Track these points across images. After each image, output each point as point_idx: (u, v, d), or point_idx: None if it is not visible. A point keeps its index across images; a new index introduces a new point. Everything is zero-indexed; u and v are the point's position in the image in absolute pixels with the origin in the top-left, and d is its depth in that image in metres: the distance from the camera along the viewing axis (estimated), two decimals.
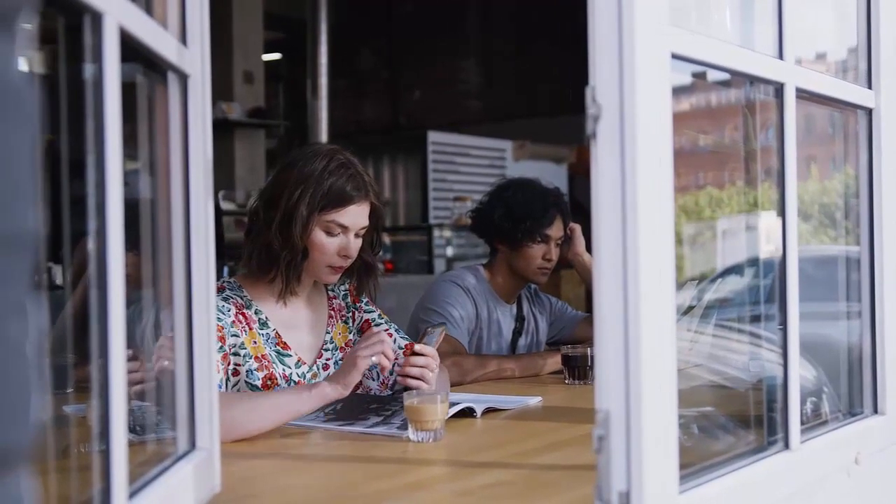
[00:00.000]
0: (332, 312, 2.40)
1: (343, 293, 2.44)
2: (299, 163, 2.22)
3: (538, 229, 3.01)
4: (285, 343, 2.26)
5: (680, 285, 1.29)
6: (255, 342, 2.20)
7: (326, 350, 2.35)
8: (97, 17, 0.99)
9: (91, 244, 1.01)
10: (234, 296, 2.22)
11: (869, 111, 1.83)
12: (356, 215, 2.23)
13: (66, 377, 1.36)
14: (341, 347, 2.37)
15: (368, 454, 1.81)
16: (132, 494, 1.10)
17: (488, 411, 2.20)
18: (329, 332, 2.37)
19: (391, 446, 1.86)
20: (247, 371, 2.17)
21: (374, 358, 2.01)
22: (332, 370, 2.31)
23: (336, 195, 2.19)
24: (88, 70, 1.02)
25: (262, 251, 2.22)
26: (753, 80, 1.57)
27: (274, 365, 2.21)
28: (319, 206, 2.19)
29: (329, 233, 2.21)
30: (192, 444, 1.37)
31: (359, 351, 2.02)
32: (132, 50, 1.12)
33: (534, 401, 2.38)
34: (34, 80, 0.60)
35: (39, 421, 0.59)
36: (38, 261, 0.61)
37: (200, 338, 1.38)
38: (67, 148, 1.04)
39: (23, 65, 0.59)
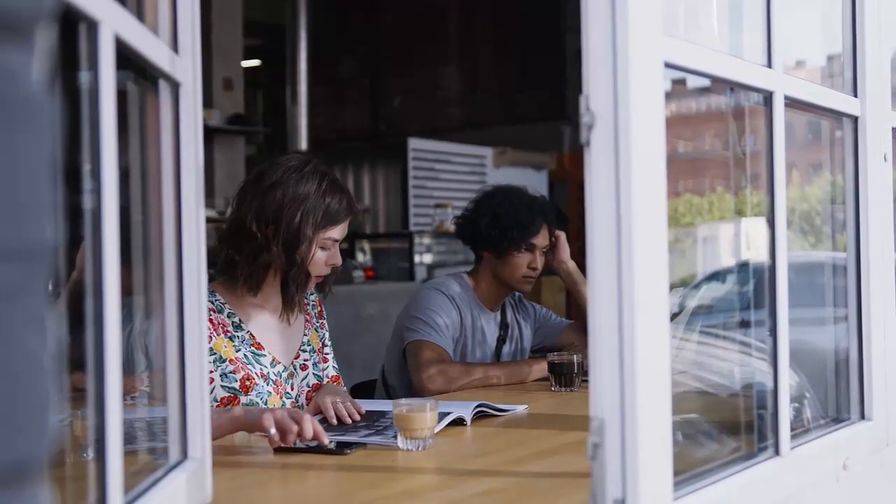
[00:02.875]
0: (308, 317, 2.49)
1: (312, 303, 2.53)
2: (291, 182, 2.27)
3: (524, 238, 3.01)
4: (259, 343, 2.32)
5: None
6: (225, 346, 2.25)
7: (304, 351, 2.43)
8: (93, 26, 0.99)
9: (86, 252, 1.01)
10: None
11: (854, 119, 1.84)
12: (345, 228, 2.36)
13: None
14: (317, 350, 2.47)
15: (358, 463, 1.81)
16: None
17: (479, 416, 2.20)
18: (306, 335, 2.45)
19: (381, 455, 1.86)
20: (222, 375, 2.22)
21: (272, 431, 1.83)
22: (310, 370, 2.41)
23: (334, 214, 2.30)
24: (83, 77, 1.01)
25: (262, 270, 2.28)
26: (743, 88, 1.58)
27: (249, 365, 2.27)
28: (321, 226, 2.28)
29: (323, 248, 2.31)
30: (184, 454, 1.36)
31: (270, 418, 1.87)
32: (124, 57, 1.12)
33: (521, 409, 2.38)
34: (52, 91, 0.59)
35: (56, 432, 0.59)
36: (52, 272, 0.60)
37: (192, 348, 1.37)
38: (61, 156, 1.04)
39: (40, 75, 0.58)
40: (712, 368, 2.02)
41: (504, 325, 3.18)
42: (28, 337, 0.56)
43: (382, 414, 2.20)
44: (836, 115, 1.86)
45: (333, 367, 2.54)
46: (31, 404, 0.56)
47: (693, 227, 2.02)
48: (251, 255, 2.26)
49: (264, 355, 2.31)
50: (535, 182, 7.76)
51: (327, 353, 2.54)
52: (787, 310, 1.54)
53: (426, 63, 10.09)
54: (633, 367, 1.16)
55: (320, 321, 2.54)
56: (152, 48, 1.22)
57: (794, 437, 1.58)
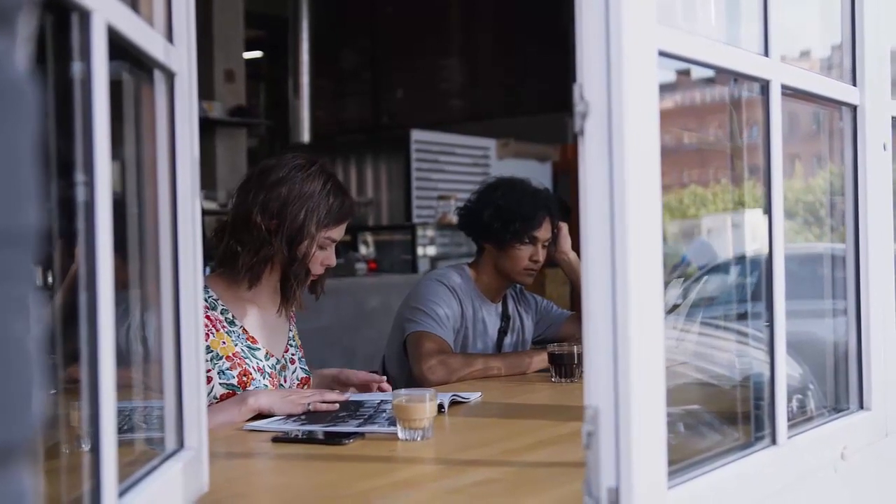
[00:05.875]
0: (292, 314, 2.53)
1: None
2: (297, 180, 2.31)
3: (527, 231, 3.01)
4: (253, 337, 2.35)
5: (665, 283, 1.29)
6: (223, 342, 2.28)
7: (291, 345, 2.48)
8: (85, 15, 0.99)
9: (79, 245, 1.01)
10: None
11: (853, 108, 1.84)
12: (343, 230, 2.40)
13: (51, 378, 1.35)
14: (300, 346, 2.52)
15: (356, 453, 1.81)
16: (121, 493, 1.09)
17: (453, 404, 2.25)
18: (291, 331, 2.50)
19: (379, 445, 1.86)
20: (219, 372, 2.24)
21: (310, 407, 2.15)
22: (297, 364, 2.47)
23: (337, 215, 2.34)
24: (76, 68, 1.01)
25: (262, 263, 2.30)
26: (739, 76, 1.57)
27: (247, 360, 2.30)
28: (324, 225, 2.31)
29: (321, 247, 2.35)
30: (181, 444, 1.37)
31: (302, 399, 2.16)
32: (118, 48, 1.12)
33: (474, 396, 2.41)
34: (34, 78, 0.60)
35: (41, 417, 0.60)
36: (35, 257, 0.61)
37: (188, 338, 1.38)
38: (53, 147, 1.04)
39: (23, 63, 0.59)
40: (713, 359, 2.02)
41: (506, 317, 3.18)
42: (12, 321, 0.56)
43: (360, 404, 2.22)
44: (836, 105, 1.85)
45: (303, 368, 2.54)
46: (14, 388, 0.56)
47: (698, 219, 2.02)
48: (253, 248, 2.28)
49: (259, 349, 2.35)
50: (538, 174, 7.76)
51: (294, 357, 2.55)
52: (783, 299, 1.54)
53: (428, 55, 10.09)
54: (626, 356, 1.16)
55: (294, 322, 2.57)
56: (146, 38, 1.22)
57: (791, 426, 1.58)
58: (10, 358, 0.56)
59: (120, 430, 1.15)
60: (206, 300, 2.29)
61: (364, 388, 2.45)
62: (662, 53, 1.25)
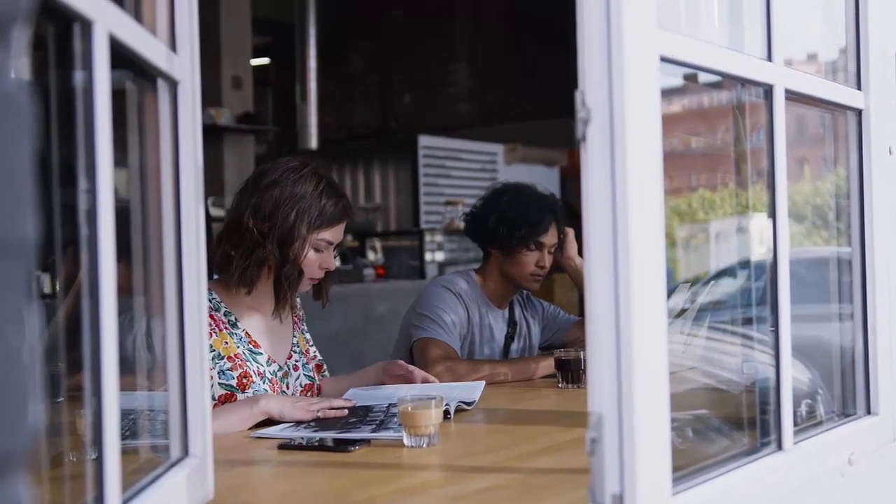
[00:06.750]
0: (296, 320, 2.53)
1: (298, 307, 2.58)
2: (289, 182, 2.31)
3: (533, 237, 3.00)
4: (255, 342, 2.35)
5: (673, 288, 1.29)
6: (226, 343, 2.29)
7: (295, 352, 2.47)
8: (87, 25, 0.99)
9: (82, 252, 1.01)
10: None
11: (858, 112, 1.83)
12: (341, 232, 2.39)
13: (57, 386, 1.36)
14: (304, 352, 2.51)
15: (362, 460, 1.81)
16: (125, 502, 1.09)
17: (458, 410, 2.24)
18: (295, 337, 2.49)
19: (385, 452, 1.86)
20: (219, 372, 2.25)
21: (319, 413, 2.14)
22: (301, 371, 2.46)
23: (330, 216, 2.33)
24: (78, 77, 1.02)
25: (256, 266, 2.30)
26: (743, 81, 1.57)
27: (248, 363, 2.30)
28: (315, 226, 2.31)
29: (317, 249, 2.34)
30: (185, 451, 1.37)
31: (311, 406, 2.16)
32: (121, 57, 1.12)
33: (479, 387, 2.43)
34: (30, 88, 0.60)
35: (37, 427, 0.60)
36: (33, 268, 0.61)
37: (192, 345, 1.38)
38: (56, 155, 1.04)
39: (18, 72, 0.59)
40: (721, 364, 2.01)
41: (512, 323, 3.18)
42: (7, 331, 0.56)
43: (369, 409, 2.21)
44: (840, 109, 1.85)
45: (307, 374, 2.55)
46: (9, 399, 0.56)
47: (706, 223, 2.02)
48: (246, 250, 2.29)
49: (261, 353, 2.35)
50: (546, 178, 7.75)
51: (312, 349, 2.57)
52: (788, 303, 1.54)
53: (436, 60, 10.08)
54: (630, 362, 1.16)
55: (303, 325, 2.58)
56: (149, 47, 1.22)
57: (798, 431, 1.57)
58: (5, 369, 0.56)
59: (124, 437, 1.15)
60: (210, 302, 2.29)
61: (405, 380, 2.47)
62: (664, 59, 1.25)
